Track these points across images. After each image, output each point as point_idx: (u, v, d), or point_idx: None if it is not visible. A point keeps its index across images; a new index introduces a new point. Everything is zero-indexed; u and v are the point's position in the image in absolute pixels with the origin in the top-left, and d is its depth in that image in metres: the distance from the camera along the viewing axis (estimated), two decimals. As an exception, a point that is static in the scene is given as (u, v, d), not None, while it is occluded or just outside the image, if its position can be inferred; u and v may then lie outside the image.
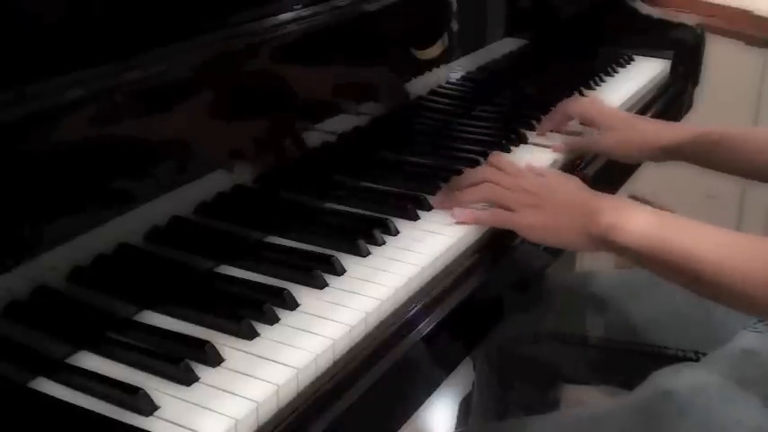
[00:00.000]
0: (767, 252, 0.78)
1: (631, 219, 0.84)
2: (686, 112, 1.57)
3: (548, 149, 1.14)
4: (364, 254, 0.85)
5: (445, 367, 0.86)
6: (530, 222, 0.90)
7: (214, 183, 0.85)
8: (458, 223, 0.91)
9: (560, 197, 0.90)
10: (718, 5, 1.97)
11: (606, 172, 1.19)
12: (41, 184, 0.67)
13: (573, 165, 1.16)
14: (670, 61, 1.53)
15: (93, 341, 0.71)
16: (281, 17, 0.90)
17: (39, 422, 0.64)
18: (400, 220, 0.92)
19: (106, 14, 0.74)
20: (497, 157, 1.04)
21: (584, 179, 1.14)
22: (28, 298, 0.68)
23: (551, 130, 1.21)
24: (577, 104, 1.23)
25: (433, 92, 1.22)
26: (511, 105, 1.32)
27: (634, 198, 2.30)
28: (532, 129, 1.21)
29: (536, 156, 1.12)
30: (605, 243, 0.86)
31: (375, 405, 0.73)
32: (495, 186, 0.93)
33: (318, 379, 0.70)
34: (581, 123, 1.21)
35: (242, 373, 0.68)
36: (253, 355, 0.70)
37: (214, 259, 0.84)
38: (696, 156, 1.11)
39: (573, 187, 0.93)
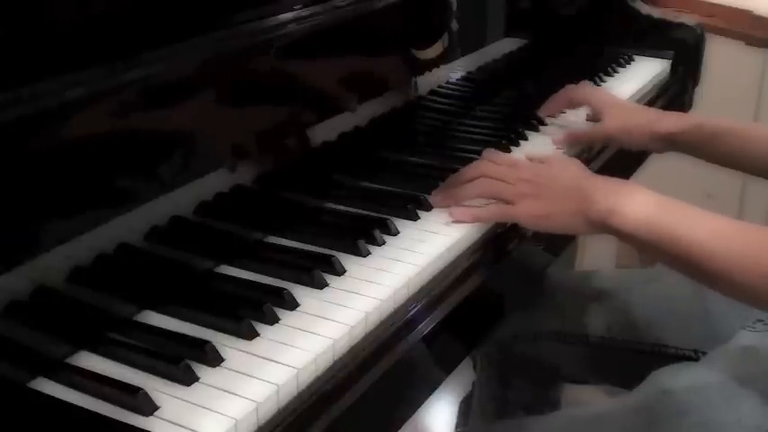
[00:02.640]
0: (764, 241, 0.79)
1: (630, 203, 0.84)
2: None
3: (548, 149, 1.14)
4: (364, 254, 0.85)
5: (445, 367, 0.86)
6: (529, 212, 0.90)
7: (214, 183, 0.85)
8: (455, 222, 0.91)
9: (559, 183, 0.90)
10: (719, 5, 1.97)
11: (608, 170, 1.19)
12: (41, 184, 0.67)
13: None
14: (670, 61, 1.53)
15: (93, 341, 0.71)
16: (281, 17, 0.90)
17: (39, 422, 0.64)
18: (400, 220, 0.92)
19: (106, 14, 0.74)
20: (491, 151, 1.03)
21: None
22: (28, 298, 0.68)
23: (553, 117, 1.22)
24: (580, 90, 1.24)
25: (433, 92, 1.22)
26: (511, 105, 1.33)
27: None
28: (533, 128, 1.21)
29: (538, 151, 1.12)
30: (604, 228, 0.86)
31: (375, 405, 0.73)
32: (492, 180, 0.93)
33: (318, 379, 0.70)
34: (581, 107, 1.22)
35: (242, 373, 0.68)
36: (253, 355, 0.70)
37: (214, 259, 0.84)
38: (693, 146, 1.12)
39: (572, 172, 0.92)
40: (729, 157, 1.10)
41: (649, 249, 0.85)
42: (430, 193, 0.97)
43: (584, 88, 1.25)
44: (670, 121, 1.13)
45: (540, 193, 0.90)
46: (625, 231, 0.84)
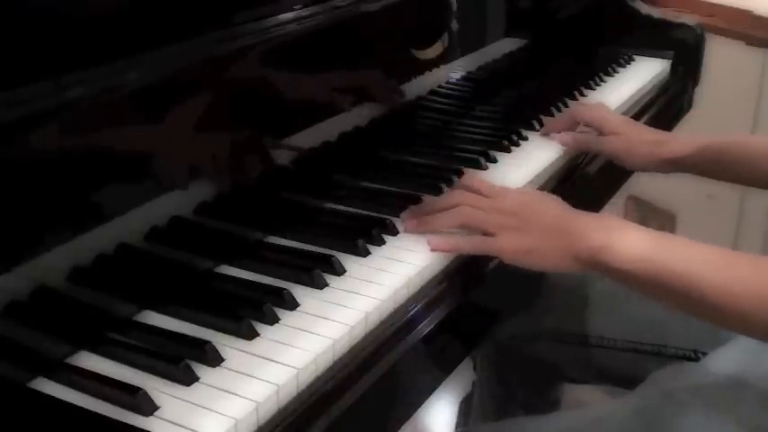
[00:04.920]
0: (765, 271, 0.76)
1: (622, 239, 0.81)
2: (686, 112, 1.57)
3: (547, 150, 1.14)
4: (364, 254, 0.85)
5: (445, 367, 0.86)
6: (511, 247, 0.85)
7: (214, 183, 0.85)
8: (433, 251, 0.86)
9: (542, 218, 0.86)
10: (719, 5, 1.98)
11: (607, 171, 1.19)
12: (42, 184, 0.67)
13: (574, 163, 1.16)
14: (670, 61, 1.53)
15: (93, 341, 0.71)
16: (281, 17, 0.90)
17: (39, 422, 0.64)
18: (400, 220, 0.92)
19: (105, 14, 0.74)
20: (470, 177, 0.98)
21: (586, 176, 1.14)
22: (28, 298, 0.68)
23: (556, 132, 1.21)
24: (586, 109, 1.22)
25: (433, 92, 1.22)
26: (511, 105, 1.33)
27: (634, 199, 2.31)
28: (532, 129, 1.21)
29: (536, 156, 1.12)
30: (595, 265, 0.82)
31: (375, 405, 0.73)
32: (472, 210, 0.88)
33: (318, 379, 0.70)
34: (587, 127, 1.22)
35: (242, 373, 0.68)
36: (253, 355, 0.70)
37: (214, 259, 0.84)
38: (701, 168, 1.11)
39: (555, 206, 0.88)
40: (734, 174, 1.10)
41: (644, 286, 0.82)
42: (431, 194, 0.97)
43: (588, 108, 1.23)
44: (675, 147, 1.12)
45: (524, 227, 0.85)
46: (618, 268, 0.81)
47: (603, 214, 0.88)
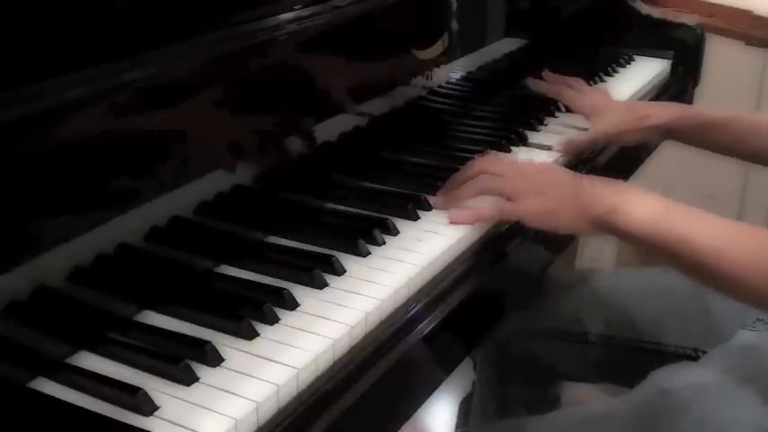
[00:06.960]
0: (766, 242, 0.79)
1: (633, 203, 0.84)
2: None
3: (548, 150, 1.14)
4: (364, 254, 0.85)
5: (445, 367, 0.86)
6: (530, 208, 0.89)
7: (214, 183, 0.85)
8: (452, 223, 0.91)
9: (558, 182, 0.90)
10: (719, 5, 1.97)
11: (608, 170, 1.19)
12: (41, 185, 0.67)
13: (574, 162, 1.16)
14: (670, 61, 1.54)
15: (93, 341, 0.71)
16: (281, 17, 0.90)
17: (39, 422, 0.64)
18: (400, 220, 0.92)
19: (106, 14, 0.74)
20: (491, 153, 1.05)
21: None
22: (28, 298, 0.68)
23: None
24: (574, 98, 1.23)
25: (433, 92, 1.22)
26: (511, 105, 1.33)
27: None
28: (533, 129, 1.21)
29: (536, 156, 1.12)
30: (606, 226, 0.85)
31: (375, 405, 0.73)
32: (493, 176, 0.92)
33: (318, 379, 0.70)
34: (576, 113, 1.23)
35: (242, 373, 0.68)
36: (253, 355, 0.70)
37: (214, 259, 0.84)
38: (689, 135, 1.14)
39: (565, 173, 0.94)
40: (723, 144, 1.12)
41: (651, 249, 0.84)
42: (430, 193, 0.97)
43: (575, 97, 1.24)
44: (658, 114, 1.15)
45: (543, 191, 0.89)
46: (628, 230, 0.84)
47: (616, 180, 0.91)
